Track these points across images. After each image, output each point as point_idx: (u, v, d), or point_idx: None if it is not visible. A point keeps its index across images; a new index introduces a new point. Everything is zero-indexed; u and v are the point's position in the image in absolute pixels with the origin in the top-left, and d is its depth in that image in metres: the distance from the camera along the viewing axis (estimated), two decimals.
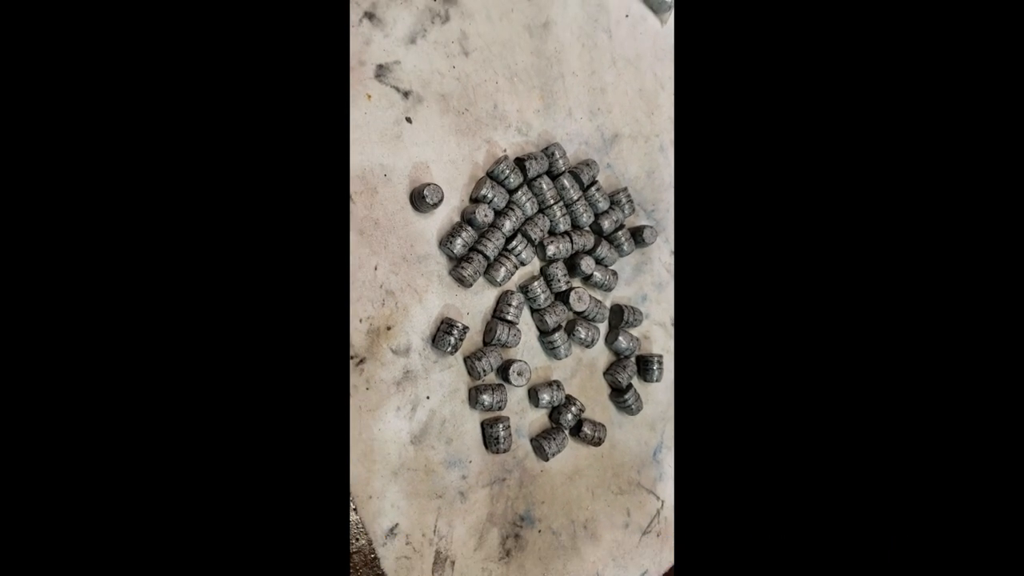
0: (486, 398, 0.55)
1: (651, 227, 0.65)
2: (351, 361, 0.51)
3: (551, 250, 0.59)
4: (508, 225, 0.56)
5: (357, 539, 0.51)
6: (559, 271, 0.59)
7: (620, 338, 0.63)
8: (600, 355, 0.64)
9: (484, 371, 0.55)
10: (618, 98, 0.66)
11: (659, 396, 0.67)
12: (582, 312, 0.61)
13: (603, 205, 0.62)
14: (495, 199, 0.56)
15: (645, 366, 0.65)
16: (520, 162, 0.58)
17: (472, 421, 0.56)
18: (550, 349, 0.60)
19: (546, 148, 0.60)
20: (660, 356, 0.65)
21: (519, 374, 0.56)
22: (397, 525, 0.52)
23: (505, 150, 0.59)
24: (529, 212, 0.58)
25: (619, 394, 0.63)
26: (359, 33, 0.53)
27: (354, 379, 0.51)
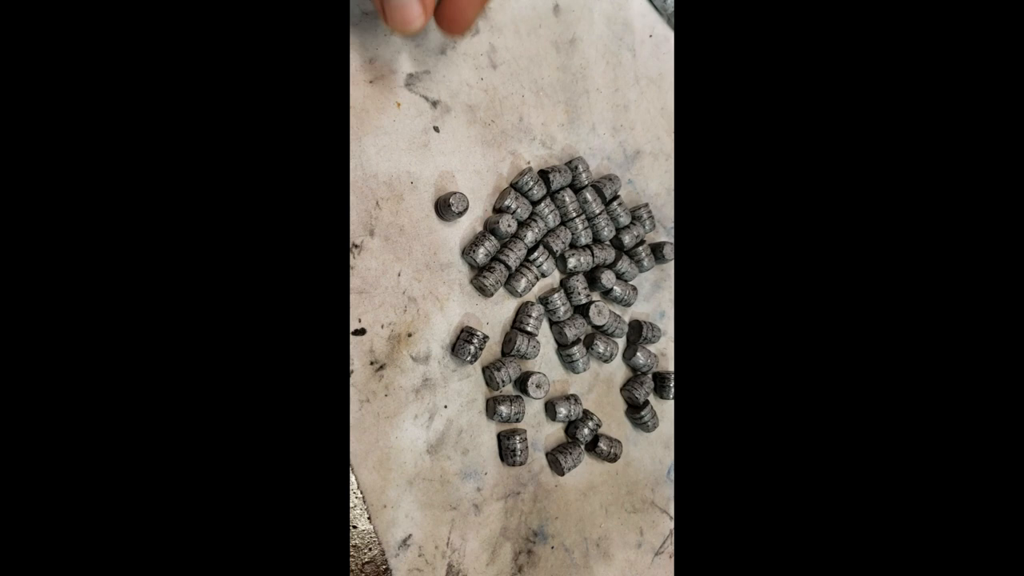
0: (504, 409, 0.55)
1: (671, 244, 0.65)
2: (371, 367, 0.51)
3: (572, 263, 0.59)
4: (530, 236, 0.56)
5: (370, 549, 0.51)
6: (579, 284, 0.59)
7: (638, 354, 0.62)
8: (617, 370, 0.63)
9: (503, 382, 0.55)
10: (640, 116, 0.67)
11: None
12: (601, 326, 0.60)
13: (624, 220, 0.62)
14: (518, 210, 0.56)
15: (662, 383, 0.64)
16: (544, 174, 0.58)
17: (489, 432, 0.56)
18: (568, 362, 0.59)
19: (569, 162, 0.60)
20: None
21: (537, 386, 0.56)
22: (411, 536, 0.52)
23: (529, 162, 0.59)
24: (551, 224, 0.58)
25: (635, 411, 0.62)
26: (391, 41, 0.54)
27: (373, 385, 0.51)
